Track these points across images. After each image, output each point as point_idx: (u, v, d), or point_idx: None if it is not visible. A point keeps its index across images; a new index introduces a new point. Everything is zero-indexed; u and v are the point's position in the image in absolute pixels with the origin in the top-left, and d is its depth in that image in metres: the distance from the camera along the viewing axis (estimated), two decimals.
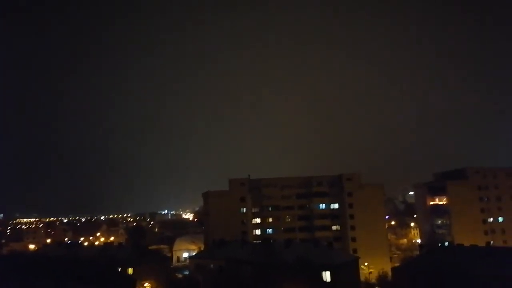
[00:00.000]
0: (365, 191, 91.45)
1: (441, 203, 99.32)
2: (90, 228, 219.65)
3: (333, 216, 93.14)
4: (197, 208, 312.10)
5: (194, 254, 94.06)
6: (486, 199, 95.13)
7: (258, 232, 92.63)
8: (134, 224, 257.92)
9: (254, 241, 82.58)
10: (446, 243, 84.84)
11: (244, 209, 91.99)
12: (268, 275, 57.37)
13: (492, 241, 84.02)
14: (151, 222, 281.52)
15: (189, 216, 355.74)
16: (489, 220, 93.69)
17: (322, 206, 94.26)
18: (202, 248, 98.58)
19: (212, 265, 65.87)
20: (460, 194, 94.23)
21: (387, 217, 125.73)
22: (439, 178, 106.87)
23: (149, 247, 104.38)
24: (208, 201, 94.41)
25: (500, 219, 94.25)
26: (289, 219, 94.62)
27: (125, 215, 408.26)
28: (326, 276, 54.58)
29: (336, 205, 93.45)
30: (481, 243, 68.02)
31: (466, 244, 58.66)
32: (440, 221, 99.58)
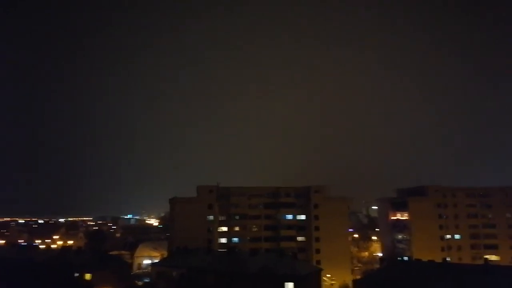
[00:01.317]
0: (331, 204, 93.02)
1: (402, 218, 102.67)
2: (48, 230, 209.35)
3: (299, 227, 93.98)
4: (162, 214, 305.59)
5: (156, 261, 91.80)
6: (444, 217, 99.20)
7: (223, 240, 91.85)
8: (95, 228, 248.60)
9: (220, 250, 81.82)
10: (406, 258, 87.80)
11: (211, 217, 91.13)
12: (231, 284, 56.92)
13: (448, 258, 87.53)
14: (113, 227, 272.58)
15: (153, 221, 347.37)
16: (446, 237, 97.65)
17: (289, 216, 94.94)
18: (165, 255, 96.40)
19: (174, 273, 64.49)
20: (421, 211, 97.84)
21: (350, 230, 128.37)
22: (401, 194, 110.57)
23: (110, 253, 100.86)
24: (175, 207, 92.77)
25: (457, 236, 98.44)
26: (256, 229, 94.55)
27: (86, 218, 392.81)
28: (289, 287, 54.85)
29: (303, 217, 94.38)
30: (438, 259, 70.55)
31: (424, 259, 60.84)
32: (400, 236, 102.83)
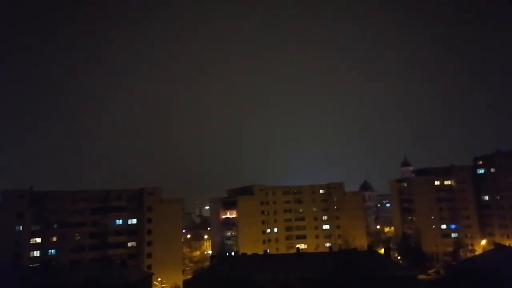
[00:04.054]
0: (165, 206, 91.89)
1: (231, 216, 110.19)
2: None
3: (130, 232, 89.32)
4: None
5: None
6: (266, 213, 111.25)
7: (37, 253, 79.09)
8: None
9: (32, 265, 69.94)
10: (233, 253, 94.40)
11: (21, 227, 77.20)
12: None
13: (268, 249, 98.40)
14: None
15: None
16: (267, 231, 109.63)
17: (119, 221, 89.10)
18: None
19: None
20: (247, 208, 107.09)
21: (184, 230, 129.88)
22: (232, 194, 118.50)
23: None
24: None
25: (275, 229, 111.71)
26: (79, 237, 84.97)
27: None
28: None
29: (134, 221, 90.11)
30: (260, 251, 78.63)
31: (249, 252, 66.79)
32: (229, 233, 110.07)
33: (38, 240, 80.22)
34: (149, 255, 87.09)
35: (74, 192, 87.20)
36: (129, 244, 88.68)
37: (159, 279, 79.57)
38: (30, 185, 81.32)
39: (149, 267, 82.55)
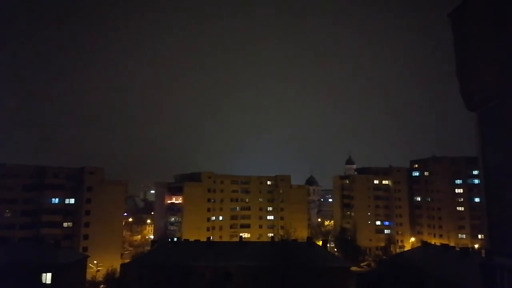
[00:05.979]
0: (107, 187, 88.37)
1: (177, 202, 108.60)
2: None
3: (67, 211, 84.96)
4: None
5: None
6: (213, 201, 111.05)
7: None
8: None
9: None
10: (176, 239, 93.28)
11: None
12: None
13: (211, 237, 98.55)
14: None
15: None
16: (212, 219, 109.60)
17: (55, 200, 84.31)
18: None
19: None
20: (194, 195, 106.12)
21: (125, 214, 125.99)
22: (178, 179, 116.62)
23: None
24: None
25: (220, 218, 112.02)
26: (9, 214, 79.28)
27: None
28: (46, 278, 48.85)
29: (72, 200, 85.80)
30: (203, 239, 78.45)
31: (192, 239, 66.41)
32: (173, 218, 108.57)
33: None
34: (86, 237, 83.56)
35: (4, 166, 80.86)
36: (65, 225, 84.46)
37: (95, 262, 76.68)
38: None
39: (85, 249, 79.21)
